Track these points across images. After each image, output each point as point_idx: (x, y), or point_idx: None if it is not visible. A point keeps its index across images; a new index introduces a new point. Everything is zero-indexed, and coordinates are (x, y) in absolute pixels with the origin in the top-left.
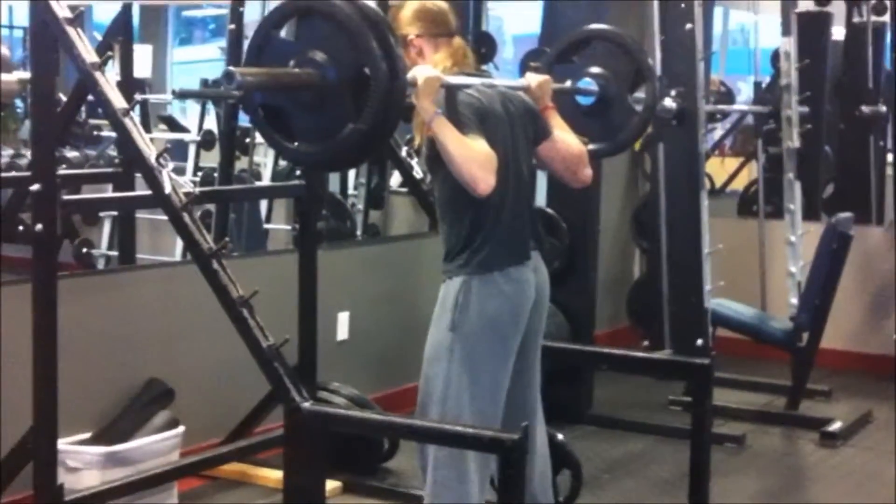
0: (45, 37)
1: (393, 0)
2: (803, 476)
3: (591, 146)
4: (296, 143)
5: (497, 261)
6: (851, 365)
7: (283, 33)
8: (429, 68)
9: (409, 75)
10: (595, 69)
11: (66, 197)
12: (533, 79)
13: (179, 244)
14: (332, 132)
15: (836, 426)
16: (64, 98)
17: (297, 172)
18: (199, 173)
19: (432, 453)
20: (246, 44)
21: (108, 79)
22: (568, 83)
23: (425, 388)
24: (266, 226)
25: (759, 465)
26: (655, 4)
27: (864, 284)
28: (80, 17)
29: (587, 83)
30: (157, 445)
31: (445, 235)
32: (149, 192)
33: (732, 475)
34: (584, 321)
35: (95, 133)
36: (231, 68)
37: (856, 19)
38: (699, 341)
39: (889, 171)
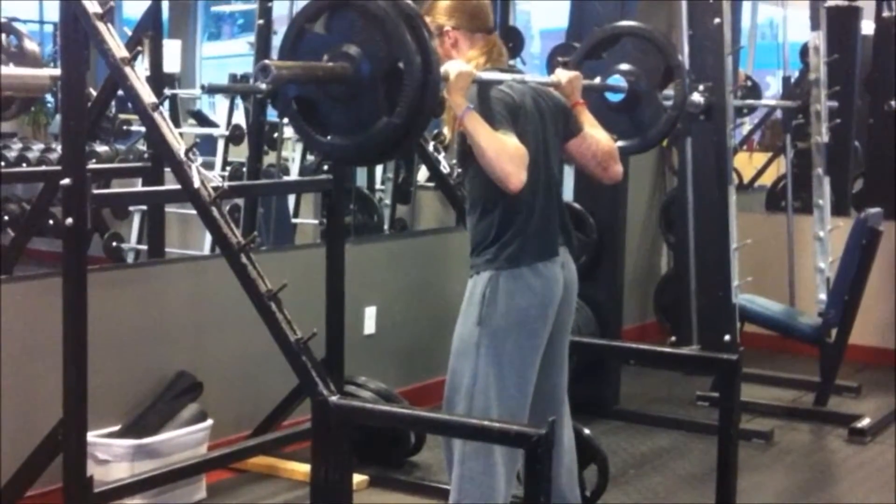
0: (76, 32)
1: None
2: (831, 473)
3: (619, 143)
4: (328, 137)
5: (525, 256)
6: (881, 361)
7: (316, 27)
8: (461, 63)
9: (442, 70)
10: (625, 66)
11: (95, 191)
12: (563, 75)
13: (208, 238)
14: (365, 126)
15: (864, 422)
16: (94, 93)
17: (325, 167)
18: (228, 168)
19: (459, 446)
20: (275, 39)
21: (138, 74)
22: (598, 80)
23: (452, 381)
24: (294, 220)
25: (786, 461)
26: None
27: (893, 280)
28: (110, 12)
29: (617, 80)
30: (185, 438)
31: (474, 230)
32: (178, 187)
33: (760, 471)
34: (612, 316)
35: (125, 128)
36: (266, 62)
37: (885, 13)
38: (727, 337)
39: None
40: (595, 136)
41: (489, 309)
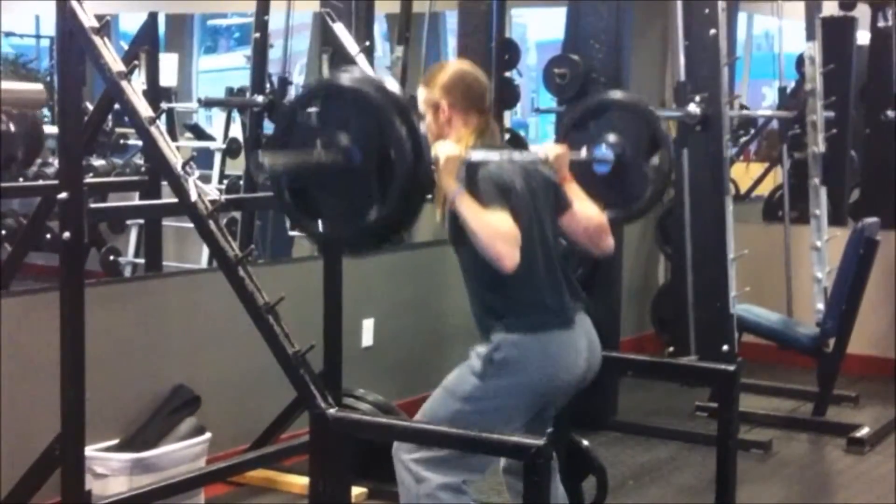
0: (72, 46)
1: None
2: (830, 483)
3: (606, 213)
4: (321, 226)
5: (540, 322)
6: (879, 371)
7: (309, 113)
8: (451, 145)
9: (432, 153)
10: (611, 136)
11: (92, 205)
12: (551, 151)
13: (205, 251)
14: (357, 215)
15: (863, 432)
16: (91, 107)
17: None
18: (225, 181)
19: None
20: (271, 52)
21: (135, 87)
22: (584, 150)
23: (430, 411)
24: (291, 233)
25: (785, 471)
26: (679, 10)
27: (890, 290)
28: (107, 27)
29: (603, 152)
30: (183, 452)
31: (476, 304)
32: (175, 200)
33: (759, 482)
34: (609, 327)
35: (122, 141)
36: (260, 155)
37: (881, 24)
38: (725, 347)
39: None
40: (585, 210)
41: (496, 369)
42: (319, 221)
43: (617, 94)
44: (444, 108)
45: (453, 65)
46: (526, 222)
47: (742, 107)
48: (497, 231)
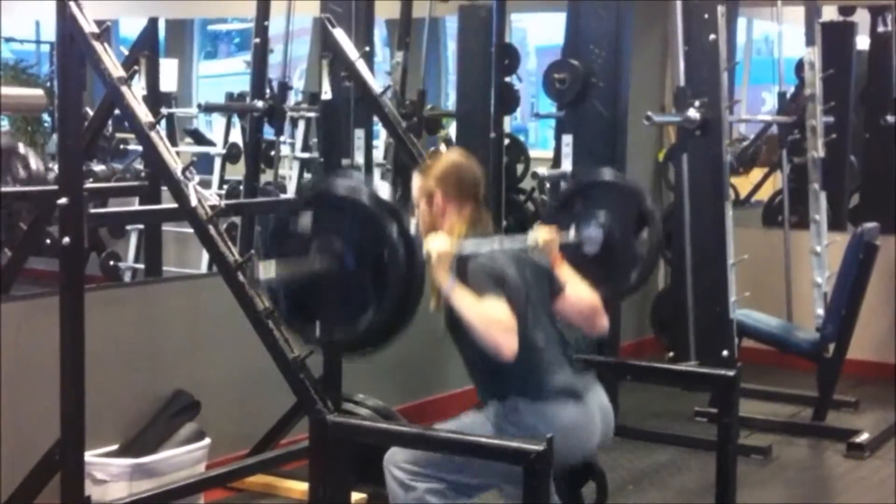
0: (72, 52)
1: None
2: (830, 487)
3: (599, 291)
4: (319, 332)
5: (552, 396)
6: (878, 375)
7: (304, 220)
8: (442, 240)
9: (424, 248)
10: (599, 216)
11: (92, 210)
12: (539, 236)
13: (205, 257)
14: (353, 319)
15: (863, 437)
16: (91, 112)
17: None
18: (225, 186)
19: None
20: (271, 57)
21: (135, 93)
22: (572, 232)
23: None
24: None
25: (785, 476)
26: (679, 15)
27: (890, 294)
28: (107, 32)
29: (591, 232)
30: (183, 457)
31: (482, 391)
32: (175, 205)
33: (759, 486)
34: (609, 332)
35: (122, 147)
36: (256, 268)
37: (880, 29)
38: (725, 352)
39: None
40: (578, 293)
41: (513, 429)
42: (317, 325)
43: (603, 175)
44: (438, 199)
45: (448, 156)
46: (521, 309)
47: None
48: (493, 321)
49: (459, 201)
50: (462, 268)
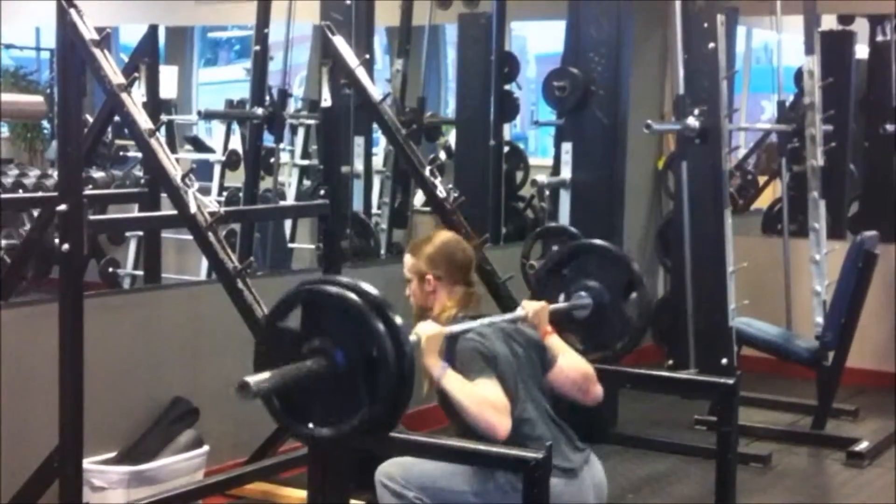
0: (73, 58)
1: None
2: (829, 496)
3: (590, 355)
4: (311, 427)
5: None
6: (878, 384)
7: (291, 320)
8: (431, 325)
9: (412, 337)
10: (588, 281)
11: (92, 217)
12: (529, 307)
13: (204, 263)
14: (346, 415)
15: (862, 446)
16: (90, 119)
17: (322, 192)
18: (225, 193)
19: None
20: (271, 65)
21: (135, 99)
22: (562, 299)
23: (432, 468)
24: (290, 245)
25: (784, 485)
26: (679, 24)
27: (889, 303)
28: (107, 39)
29: (581, 298)
30: (181, 464)
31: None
32: (174, 212)
33: (758, 495)
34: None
35: (121, 153)
36: (245, 380)
37: (879, 38)
38: (724, 360)
39: None
40: (571, 363)
41: (497, 493)
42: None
43: (589, 242)
44: (429, 280)
45: (440, 237)
46: (513, 385)
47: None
48: (485, 402)
49: (451, 282)
50: (452, 349)
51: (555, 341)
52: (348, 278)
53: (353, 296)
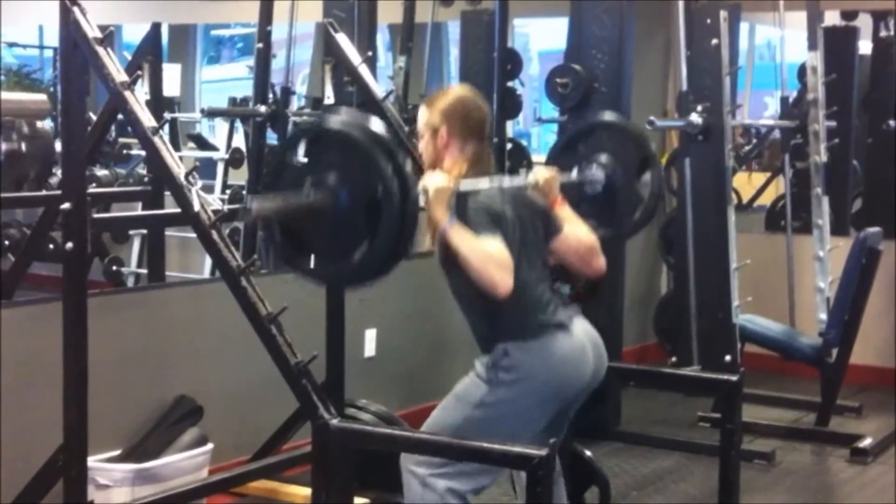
0: (76, 57)
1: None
2: (833, 493)
3: (599, 232)
4: (312, 264)
5: (541, 330)
6: (882, 381)
7: (299, 155)
8: (440, 176)
9: (421, 184)
10: (601, 157)
11: (96, 215)
12: (540, 175)
13: (208, 262)
14: (347, 253)
15: (866, 443)
16: (94, 117)
17: None
18: (228, 191)
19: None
20: (274, 62)
21: (138, 98)
22: (574, 172)
23: (440, 418)
24: None
25: (788, 482)
26: (681, 20)
27: (893, 299)
28: (110, 37)
29: (593, 173)
30: (185, 463)
31: (475, 329)
32: (178, 210)
33: (762, 492)
34: (612, 337)
35: (125, 152)
36: (248, 200)
37: (882, 34)
38: (727, 357)
39: None
40: (576, 233)
41: (505, 374)
42: (311, 258)
43: (606, 116)
44: (442, 134)
45: (455, 91)
46: (515, 249)
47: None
48: (490, 258)
49: (463, 138)
50: (460, 206)
51: (562, 210)
52: (359, 117)
53: (362, 134)
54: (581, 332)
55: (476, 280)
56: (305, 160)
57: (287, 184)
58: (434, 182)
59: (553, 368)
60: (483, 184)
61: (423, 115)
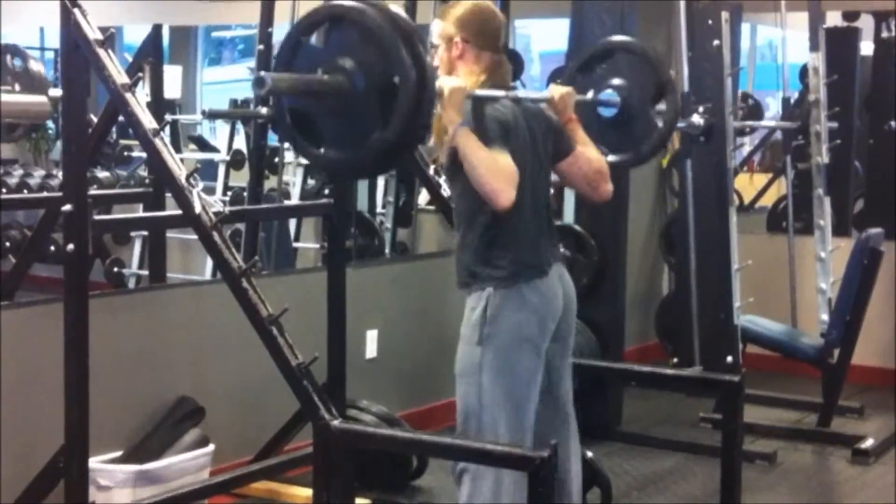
0: (77, 58)
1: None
2: (835, 494)
3: (611, 158)
4: (322, 150)
5: (521, 273)
6: (883, 381)
7: (313, 39)
8: (455, 79)
9: (437, 84)
10: (617, 81)
11: (97, 217)
12: (556, 91)
13: (209, 263)
14: (358, 140)
15: (868, 443)
16: (95, 119)
17: (326, 192)
18: (229, 193)
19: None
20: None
21: (139, 99)
22: (590, 94)
23: (462, 404)
24: (295, 244)
25: (790, 482)
26: (683, 21)
27: (894, 300)
28: (111, 39)
29: (609, 95)
30: (187, 464)
31: (463, 247)
32: (179, 212)
33: (763, 493)
34: (613, 338)
35: (126, 153)
36: (262, 73)
37: (884, 34)
38: (729, 358)
39: None
40: (586, 154)
41: (489, 328)
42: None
43: (624, 38)
44: (457, 43)
45: (470, 1)
46: (521, 168)
47: (748, 96)
48: (496, 167)
49: (479, 48)
50: (473, 113)
51: (576, 131)
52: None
53: (380, 18)
54: (555, 277)
55: (478, 187)
56: (321, 43)
57: (302, 65)
58: (448, 82)
59: (528, 309)
60: (498, 93)
61: (438, 26)
